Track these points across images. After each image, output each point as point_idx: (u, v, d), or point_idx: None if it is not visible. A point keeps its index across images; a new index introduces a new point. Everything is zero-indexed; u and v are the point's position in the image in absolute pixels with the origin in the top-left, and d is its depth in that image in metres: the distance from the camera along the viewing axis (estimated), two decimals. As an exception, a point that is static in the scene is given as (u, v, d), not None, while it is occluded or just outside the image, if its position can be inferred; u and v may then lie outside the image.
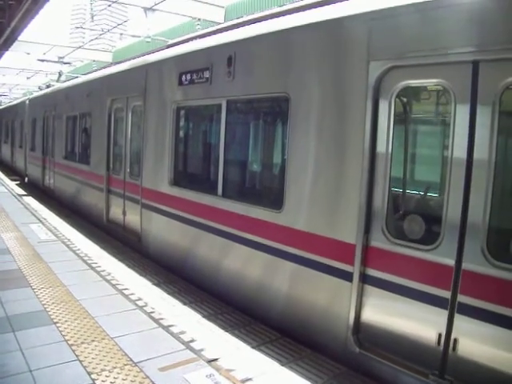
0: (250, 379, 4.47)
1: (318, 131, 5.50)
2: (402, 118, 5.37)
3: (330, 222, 5.30)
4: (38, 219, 11.61)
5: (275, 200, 6.02)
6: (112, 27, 24.63)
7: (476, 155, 4.05)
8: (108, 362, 4.46)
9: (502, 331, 3.89)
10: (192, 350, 4.86)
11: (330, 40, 5.43)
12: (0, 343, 4.70)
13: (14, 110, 27.33)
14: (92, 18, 20.37)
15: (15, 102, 29.86)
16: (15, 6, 11.13)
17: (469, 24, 4.03)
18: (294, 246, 5.64)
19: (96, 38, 26.01)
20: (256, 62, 6.51)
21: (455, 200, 4.19)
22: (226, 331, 5.86)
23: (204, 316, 6.34)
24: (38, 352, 4.56)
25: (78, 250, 8.81)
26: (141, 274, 8.09)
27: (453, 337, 4.18)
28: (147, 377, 4.22)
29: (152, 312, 5.89)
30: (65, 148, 15.46)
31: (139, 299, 6.34)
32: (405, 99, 5.28)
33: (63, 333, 5.02)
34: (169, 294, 7.17)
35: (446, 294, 4.21)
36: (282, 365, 5.04)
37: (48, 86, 22.36)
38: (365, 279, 4.88)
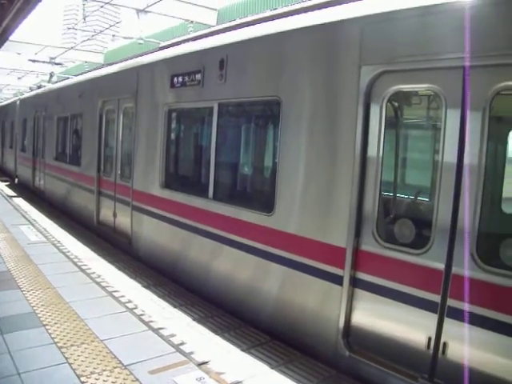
0: (239, 382, 4.47)
1: (309, 135, 5.51)
2: (393, 123, 5.39)
3: (320, 226, 5.31)
4: (28, 220, 11.56)
5: (266, 203, 6.02)
6: (104, 28, 24.60)
7: (466, 160, 4.07)
8: (97, 364, 4.45)
9: (491, 335, 3.92)
10: (182, 352, 4.85)
11: (321, 44, 5.45)
12: (-12, 345, 4.67)
13: (4, 111, 27.18)
14: (84, 18, 20.32)
15: (6, 103, 29.73)
16: (7, 6, 11.06)
17: (459, 30, 4.05)
18: (285, 250, 5.65)
19: (88, 39, 25.98)
20: (248, 66, 6.52)
21: (445, 204, 4.21)
22: (216, 334, 5.84)
23: (194, 319, 6.32)
24: (26, 354, 4.54)
25: (68, 251, 8.78)
26: (131, 277, 8.06)
27: (442, 340, 4.20)
28: (137, 380, 4.21)
29: (142, 314, 5.88)
30: (55, 149, 15.39)
31: (129, 301, 6.32)
32: (396, 104, 5.30)
33: (52, 335, 5.00)
34: (159, 296, 7.14)
35: (436, 297, 4.23)
36: (272, 368, 5.03)
37: (39, 87, 22.24)
38: (355, 283, 4.89)
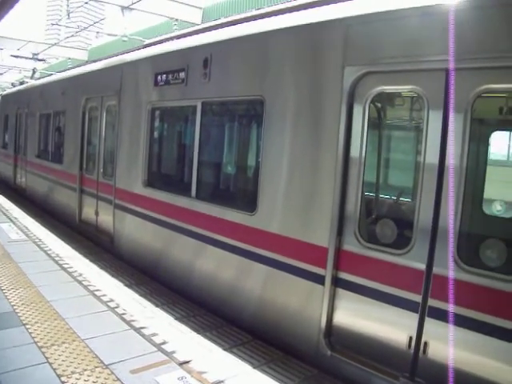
0: (221, 381, 4.45)
1: (293, 135, 5.52)
2: (376, 124, 5.43)
3: (303, 226, 5.32)
4: (9, 218, 11.42)
5: (249, 203, 6.03)
6: (88, 25, 24.46)
7: (448, 161, 4.11)
8: (78, 364, 4.40)
9: (471, 335, 3.97)
10: (164, 352, 4.82)
11: (305, 44, 5.46)
12: (-33, 345, 4.61)
13: None
14: (68, 15, 20.23)
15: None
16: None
17: (442, 33, 4.09)
18: (267, 249, 5.66)
19: (72, 36, 25.86)
20: (232, 65, 6.51)
21: (427, 205, 4.25)
22: (198, 333, 5.83)
23: (176, 318, 6.30)
24: (6, 354, 4.48)
25: (50, 250, 8.69)
26: (113, 275, 8.01)
27: (423, 340, 4.24)
28: (118, 379, 4.18)
29: (124, 313, 5.83)
30: (38, 146, 15.26)
31: (111, 300, 6.27)
32: (379, 105, 5.34)
33: (33, 335, 4.94)
34: (141, 295, 7.11)
35: (417, 297, 4.27)
36: (254, 367, 5.03)
37: (22, 83, 22.01)
38: (337, 282, 4.91)
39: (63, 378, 4.12)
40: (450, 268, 4.08)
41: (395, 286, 4.44)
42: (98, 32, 24.46)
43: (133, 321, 5.61)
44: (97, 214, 10.40)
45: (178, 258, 7.44)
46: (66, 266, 7.67)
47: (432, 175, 4.21)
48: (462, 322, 4.00)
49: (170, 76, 7.56)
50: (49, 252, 8.47)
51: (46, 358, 4.47)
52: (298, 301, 5.35)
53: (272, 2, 14.40)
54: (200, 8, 19.76)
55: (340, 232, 4.88)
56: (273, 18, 6.39)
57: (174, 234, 7.41)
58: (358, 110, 4.77)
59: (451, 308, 4.04)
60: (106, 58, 12.24)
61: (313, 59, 5.32)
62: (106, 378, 4.17)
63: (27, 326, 5.13)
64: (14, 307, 5.64)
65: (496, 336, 3.84)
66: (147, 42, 10.72)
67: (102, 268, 8.40)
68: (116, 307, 6.03)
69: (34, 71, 25.13)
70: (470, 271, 3.99)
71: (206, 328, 6.05)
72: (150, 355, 4.71)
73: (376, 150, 5.55)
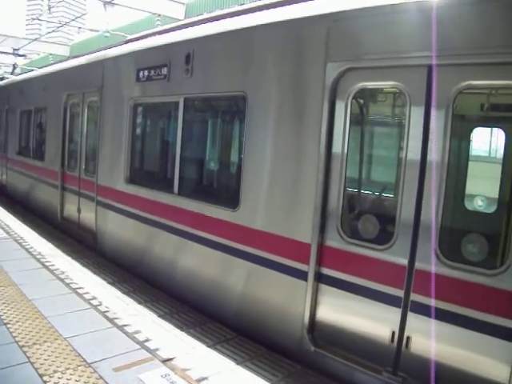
0: (205, 378, 4.44)
1: (275, 131, 5.52)
2: (359, 120, 5.44)
3: (285, 222, 5.32)
4: (-11, 216, 11.30)
5: (231, 199, 6.02)
6: (70, 20, 24.22)
7: (430, 157, 4.14)
8: (61, 363, 4.36)
9: (453, 328, 4.01)
10: (147, 349, 4.80)
11: (287, 40, 5.45)
12: None
13: None
14: (49, 9, 20.04)
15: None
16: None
17: (424, 29, 4.10)
18: (250, 245, 5.66)
19: (53, 31, 25.52)
20: (214, 60, 6.48)
21: (409, 201, 4.27)
22: (182, 330, 5.81)
23: (159, 315, 6.28)
24: (-15, 354, 4.43)
25: (31, 248, 8.60)
26: (95, 273, 7.95)
27: (406, 334, 4.28)
28: (101, 377, 4.15)
29: (106, 311, 5.80)
30: (18, 143, 15.11)
31: (93, 298, 6.23)
32: (361, 101, 5.35)
33: (14, 334, 4.89)
34: (124, 292, 7.07)
35: (400, 292, 4.30)
36: (238, 364, 5.04)
37: (1, 79, 21.75)
38: (320, 278, 4.93)
39: (45, 378, 4.08)
40: (431, 263, 4.11)
41: (378, 281, 4.47)
42: (79, 27, 24.31)
43: (116, 318, 5.58)
44: (79, 211, 10.32)
45: (161, 254, 7.41)
46: (47, 264, 7.60)
47: (414, 171, 4.24)
48: (444, 316, 4.04)
49: (152, 72, 7.52)
50: (30, 250, 8.38)
51: (28, 357, 4.42)
52: (281, 297, 5.36)
53: (255, -2, 14.35)
54: (183, 3, 19.67)
55: (323, 228, 4.89)
56: (256, 13, 6.37)
57: (157, 230, 7.38)
58: (340, 106, 4.78)
59: (433, 303, 4.07)
60: (87, 54, 12.13)
61: (295, 55, 5.31)
62: (88, 377, 4.14)
63: (8, 326, 5.07)
64: (-5, 306, 5.58)
65: (477, 330, 3.88)
66: (129, 37, 10.64)
67: (84, 266, 8.33)
68: (99, 305, 5.98)
69: (14, 67, 24.84)
70: (452, 266, 4.03)
71: (189, 325, 6.04)
72: (133, 353, 4.68)
73: (358, 146, 5.57)
